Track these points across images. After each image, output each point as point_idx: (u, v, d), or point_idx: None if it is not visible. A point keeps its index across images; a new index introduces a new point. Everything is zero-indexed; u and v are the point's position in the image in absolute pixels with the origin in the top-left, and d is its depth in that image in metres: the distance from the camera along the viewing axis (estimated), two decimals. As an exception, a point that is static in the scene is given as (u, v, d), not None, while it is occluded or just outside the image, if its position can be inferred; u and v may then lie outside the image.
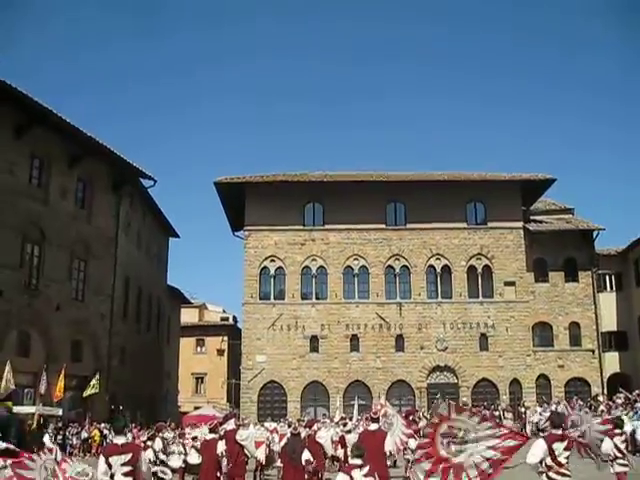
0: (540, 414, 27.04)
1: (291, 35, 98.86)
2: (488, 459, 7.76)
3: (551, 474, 7.51)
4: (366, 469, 6.83)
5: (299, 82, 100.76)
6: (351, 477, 6.80)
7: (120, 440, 7.92)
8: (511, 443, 7.88)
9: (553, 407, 24.80)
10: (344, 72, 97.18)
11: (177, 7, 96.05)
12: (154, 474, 11.46)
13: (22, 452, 8.37)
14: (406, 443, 12.64)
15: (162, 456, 13.90)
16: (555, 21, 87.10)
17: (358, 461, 7.04)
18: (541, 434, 18.34)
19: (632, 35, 72.36)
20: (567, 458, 7.60)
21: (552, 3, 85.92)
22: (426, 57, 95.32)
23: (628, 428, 14.55)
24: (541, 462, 7.60)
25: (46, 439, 18.78)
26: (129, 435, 15.05)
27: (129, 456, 7.59)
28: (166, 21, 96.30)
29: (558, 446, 7.54)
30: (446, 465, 7.86)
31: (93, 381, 27.59)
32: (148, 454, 9.85)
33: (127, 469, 7.53)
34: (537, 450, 7.62)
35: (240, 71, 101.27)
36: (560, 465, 7.50)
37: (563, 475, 7.51)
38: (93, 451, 26.11)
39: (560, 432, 7.80)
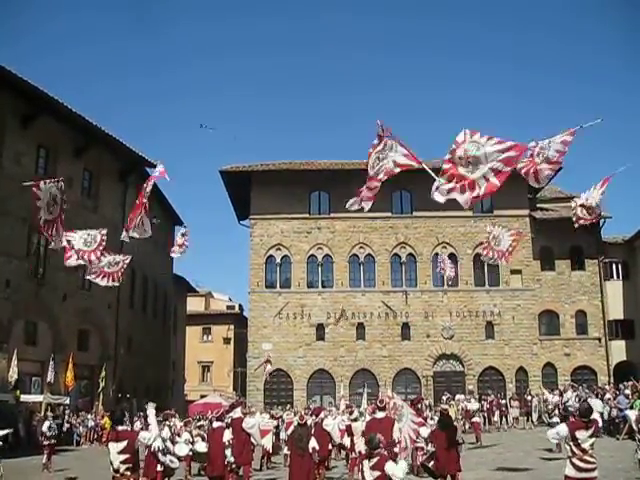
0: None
1: (297, 27, 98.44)
2: (494, 170, 8.79)
3: (575, 460, 7.59)
4: (374, 461, 6.71)
5: (304, 73, 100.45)
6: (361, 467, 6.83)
7: (120, 427, 8.24)
8: (512, 154, 8.82)
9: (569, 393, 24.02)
10: (349, 61, 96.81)
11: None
12: (162, 463, 11.50)
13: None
14: (417, 432, 12.64)
15: (169, 444, 13.91)
16: (561, 12, 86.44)
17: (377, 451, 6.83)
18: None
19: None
20: (592, 446, 7.65)
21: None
22: (427, 46, 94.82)
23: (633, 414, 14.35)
24: (562, 442, 7.91)
25: (45, 427, 18.69)
26: (137, 423, 15.09)
27: (124, 444, 7.84)
28: (171, 12, 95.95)
29: (582, 434, 7.59)
30: (464, 182, 8.92)
31: (103, 373, 27.75)
32: (157, 443, 9.90)
33: (124, 457, 7.80)
34: (560, 429, 7.95)
35: (246, 61, 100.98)
36: (584, 452, 7.56)
37: (587, 462, 7.57)
38: (104, 439, 26.12)
39: (585, 420, 7.81)
